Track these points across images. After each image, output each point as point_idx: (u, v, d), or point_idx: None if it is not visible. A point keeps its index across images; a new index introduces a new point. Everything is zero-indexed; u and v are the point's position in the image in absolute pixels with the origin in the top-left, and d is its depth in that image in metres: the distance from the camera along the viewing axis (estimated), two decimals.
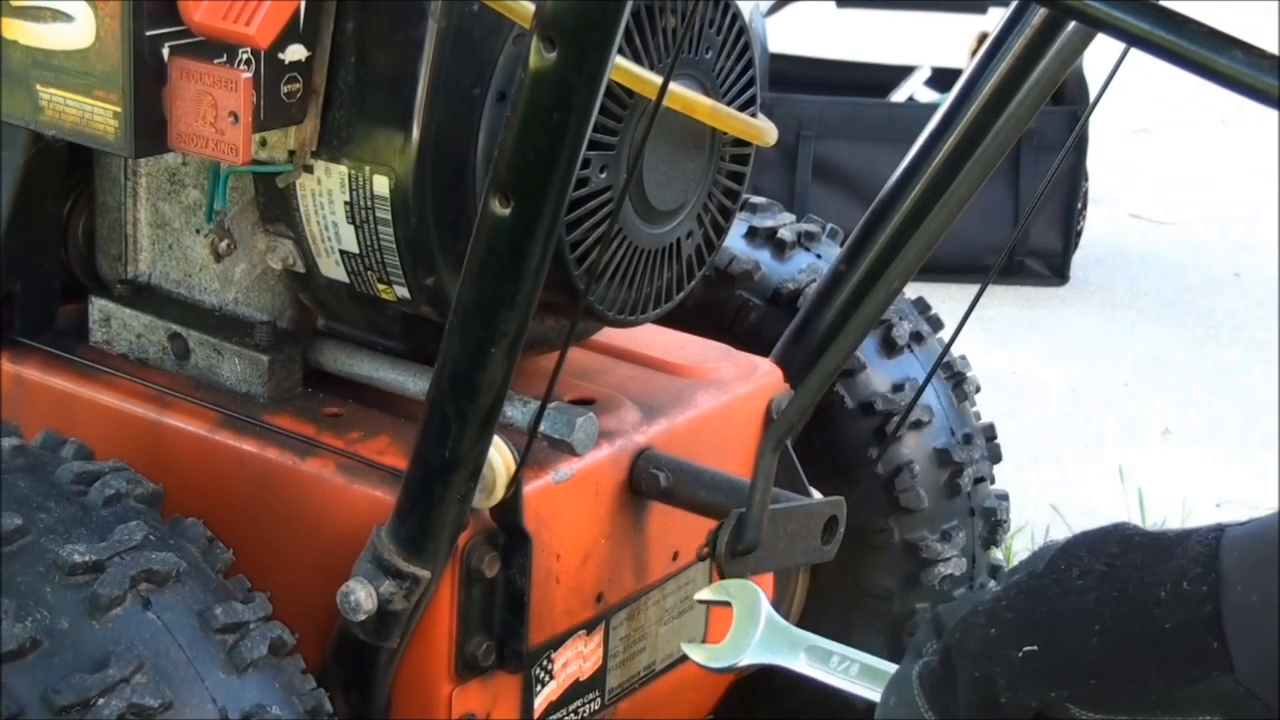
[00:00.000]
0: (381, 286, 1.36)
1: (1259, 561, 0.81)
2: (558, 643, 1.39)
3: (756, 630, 1.16)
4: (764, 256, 1.77)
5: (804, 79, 3.96)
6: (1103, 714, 0.85)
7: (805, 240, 1.80)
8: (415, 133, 1.28)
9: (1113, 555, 0.85)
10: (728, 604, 1.18)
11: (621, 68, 1.26)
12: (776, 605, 1.68)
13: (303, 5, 1.24)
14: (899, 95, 3.98)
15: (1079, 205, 3.85)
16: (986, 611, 0.89)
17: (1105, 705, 0.85)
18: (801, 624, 1.59)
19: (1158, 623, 0.82)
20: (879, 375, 1.72)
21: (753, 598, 1.17)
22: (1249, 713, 0.81)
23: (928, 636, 0.97)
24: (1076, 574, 0.86)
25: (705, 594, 1.22)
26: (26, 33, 1.24)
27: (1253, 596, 0.80)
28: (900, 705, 0.94)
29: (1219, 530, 0.84)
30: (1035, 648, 0.86)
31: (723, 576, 1.35)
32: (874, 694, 1.05)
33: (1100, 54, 1.57)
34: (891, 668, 1.00)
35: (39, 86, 1.25)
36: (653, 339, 1.59)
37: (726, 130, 1.40)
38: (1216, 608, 0.81)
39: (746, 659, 1.15)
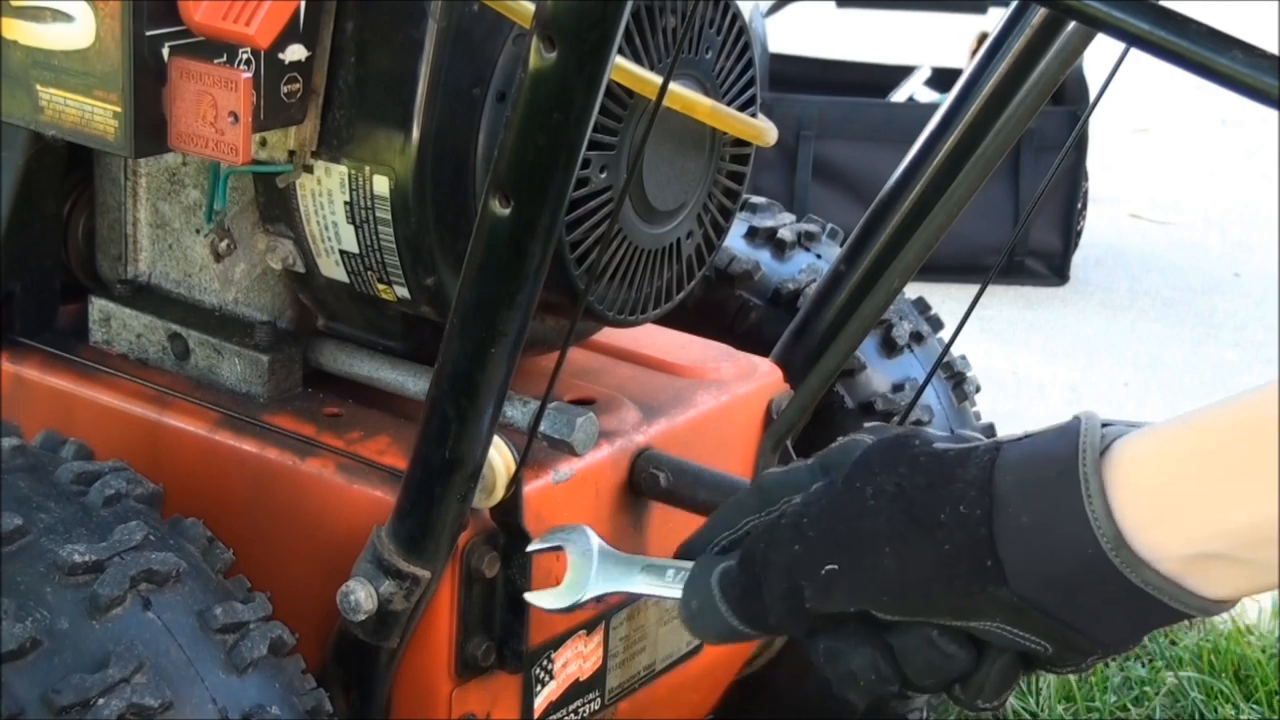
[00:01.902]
0: (381, 286, 1.36)
1: (1030, 484, 0.89)
2: (558, 643, 1.39)
3: (592, 565, 1.19)
4: (764, 256, 1.77)
5: (804, 79, 3.96)
6: (902, 617, 0.93)
7: (805, 240, 1.80)
8: (415, 133, 1.28)
9: (902, 475, 0.93)
10: (559, 549, 1.21)
11: (621, 68, 1.26)
12: None
13: (303, 5, 1.24)
14: (899, 95, 3.99)
15: (1079, 205, 3.85)
16: (791, 527, 0.96)
17: (903, 612, 0.93)
18: None
19: (941, 544, 0.90)
20: (879, 375, 1.72)
21: (581, 536, 1.20)
22: (1027, 618, 0.90)
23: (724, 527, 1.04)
24: (870, 493, 0.94)
25: (534, 545, 1.24)
26: (26, 33, 1.24)
27: (1023, 519, 0.88)
28: (706, 612, 1.00)
29: (995, 450, 0.92)
30: (836, 566, 0.94)
31: None
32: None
33: (1100, 54, 1.57)
34: None
35: (39, 86, 1.25)
36: (653, 339, 1.59)
37: (726, 130, 1.40)
38: (990, 530, 0.89)
39: (589, 593, 1.18)
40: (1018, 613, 0.90)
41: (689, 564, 1.08)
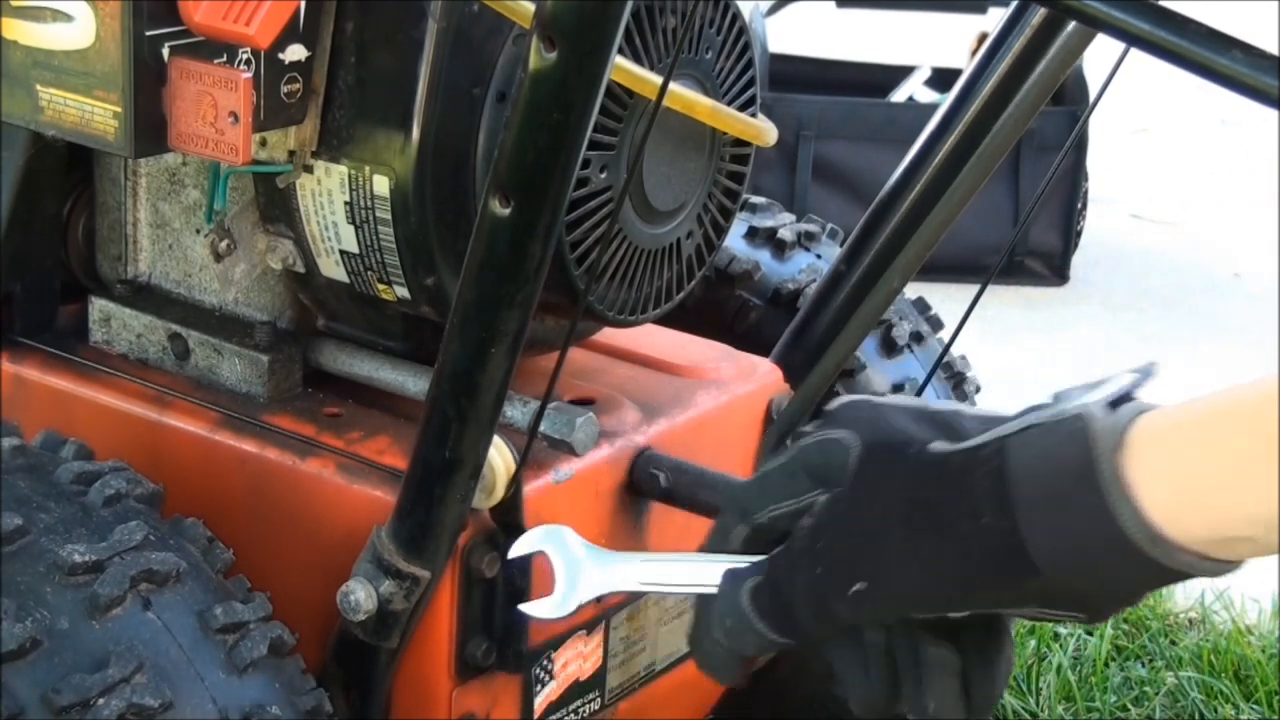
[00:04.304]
0: (381, 286, 1.36)
1: (1049, 496, 0.89)
2: (558, 643, 1.39)
3: (581, 566, 1.14)
4: (764, 256, 1.77)
5: (804, 79, 3.96)
6: (935, 614, 0.95)
7: (805, 240, 1.80)
8: (415, 133, 1.28)
9: (911, 489, 0.93)
10: (541, 552, 1.16)
11: (621, 68, 1.26)
12: None
13: (303, 5, 1.24)
14: (899, 95, 3.99)
15: (1079, 205, 3.85)
16: (807, 553, 0.96)
17: (937, 611, 0.95)
18: None
19: (970, 554, 0.91)
20: (879, 375, 1.72)
21: (561, 537, 1.15)
22: (1060, 599, 0.92)
23: (733, 521, 1.04)
24: (880, 510, 0.94)
25: (516, 549, 1.18)
26: (26, 33, 1.24)
27: (1050, 524, 0.88)
28: (743, 629, 1.00)
29: (999, 455, 0.91)
30: (864, 586, 0.94)
31: None
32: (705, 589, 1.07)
33: (1100, 54, 1.57)
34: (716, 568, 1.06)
35: (39, 86, 1.25)
36: (653, 339, 1.59)
37: (726, 130, 1.40)
38: (1019, 537, 0.89)
39: (588, 595, 1.14)
40: (1051, 597, 0.91)
41: (684, 555, 1.08)
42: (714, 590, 1.04)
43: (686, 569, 1.08)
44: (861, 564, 0.94)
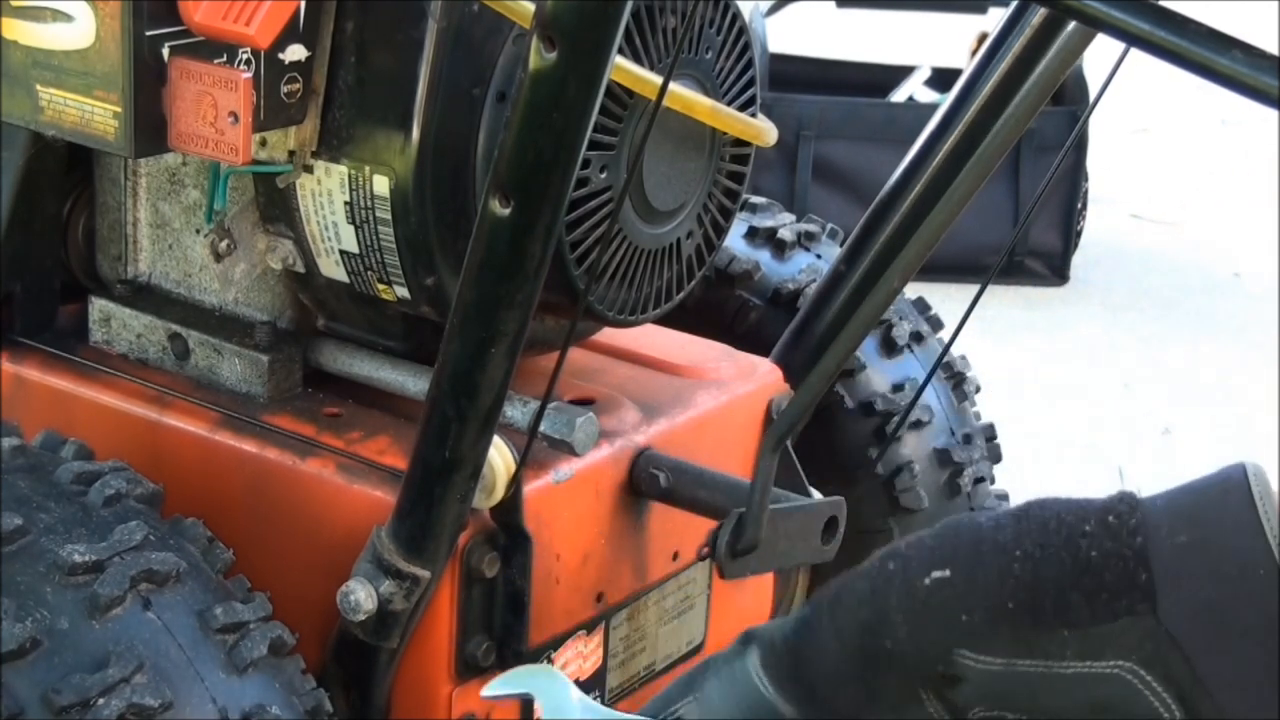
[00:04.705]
0: (381, 286, 1.36)
1: (1188, 506, 0.81)
2: (558, 643, 1.39)
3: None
4: (764, 256, 1.77)
5: (804, 79, 3.96)
6: (1004, 659, 0.82)
7: (805, 240, 1.80)
8: (415, 133, 1.28)
9: (1026, 506, 0.84)
10: (527, 696, 1.07)
11: (621, 68, 1.26)
12: (776, 605, 1.68)
13: (303, 5, 1.24)
14: (899, 95, 3.99)
15: (1079, 205, 3.85)
16: (885, 554, 0.84)
17: (1018, 645, 0.82)
18: None
19: (1085, 551, 0.81)
20: (879, 375, 1.72)
21: (556, 685, 1.06)
22: (1164, 659, 0.80)
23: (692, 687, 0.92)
24: (985, 518, 0.84)
25: (496, 689, 1.08)
26: (26, 33, 1.24)
27: (1181, 538, 0.80)
28: (741, 705, 0.87)
29: (1134, 495, 0.83)
30: (948, 573, 0.82)
31: (723, 576, 1.35)
32: None
33: (1100, 54, 1.57)
34: None
35: (39, 86, 1.25)
36: (653, 339, 1.59)
37: (726, 130, 1.40)
38: (1145, 542, 0.80)
39: None
40: (1154, 652, 0.80)
41: None
42: None
43: None
44: (956, 555, 0.82)
